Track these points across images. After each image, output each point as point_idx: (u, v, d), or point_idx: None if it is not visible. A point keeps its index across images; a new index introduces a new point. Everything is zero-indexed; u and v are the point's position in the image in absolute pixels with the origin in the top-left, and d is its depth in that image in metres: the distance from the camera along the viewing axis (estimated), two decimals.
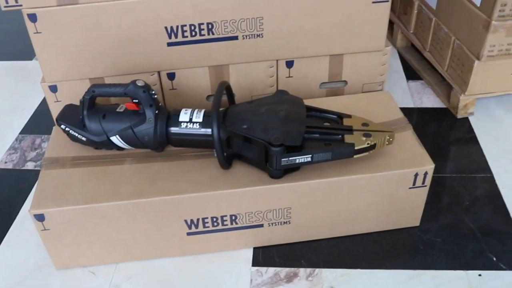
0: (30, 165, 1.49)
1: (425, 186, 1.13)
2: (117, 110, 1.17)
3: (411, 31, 1.80)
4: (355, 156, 1.07)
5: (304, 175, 1.09)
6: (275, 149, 1.04)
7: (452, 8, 1.52)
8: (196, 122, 1.13)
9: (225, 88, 1.17)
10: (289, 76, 1.38)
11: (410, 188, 1.12)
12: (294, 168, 1.10)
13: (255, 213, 1.12)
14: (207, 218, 1.10)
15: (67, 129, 1.17)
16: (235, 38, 1.26)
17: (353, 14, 1.26)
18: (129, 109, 1.16)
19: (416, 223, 1.22)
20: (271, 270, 1.15)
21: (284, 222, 1.13)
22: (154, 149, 1.18)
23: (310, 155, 1.06)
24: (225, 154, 1.10)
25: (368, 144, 1.06)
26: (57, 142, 1.21)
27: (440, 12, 1.61)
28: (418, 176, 1.10)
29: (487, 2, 1.35)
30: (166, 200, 1.08)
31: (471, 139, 1.51)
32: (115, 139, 1.16)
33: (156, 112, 1.13)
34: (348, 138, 1.07)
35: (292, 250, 1.19)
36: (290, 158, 1.05)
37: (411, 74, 1.79)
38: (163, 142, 1.16)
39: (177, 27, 1.23)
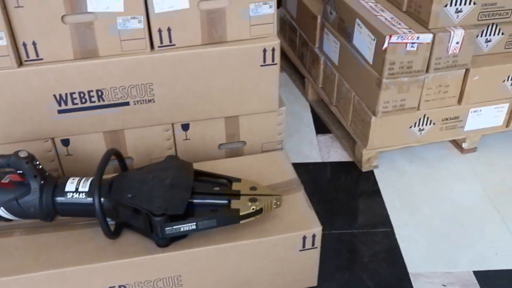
0: None
1: (315, 247, 1.13)
2: (2, 181, 1.13)
3: (320, 86, 1.84)
4: (241, 222, 1.07)
5: (191, 242, 1.08)
6: (157, 218, 1.02)
7: (350, 65, 1.57)
8: (82, 192, 1.11)
9: (115, 155, 1.16)
10: (187, 139, 1.38)
11: (300, 250, 1.12)
12: (181, 236, 1.08)
13: (144, 283, 1.09)
14: None
15: None
16: (127, 104, 1.25)
17: (243, 78, 1.28)
18: (14, 180, 1.12)
19: (314, 283, 1.22)
20: None
21: None
22: (42, 219, 1.14)
23: (195, 223, 1.04)
24: (114, 223, 1.07)
25: (253, 209, 1.06)
26: None
27: (341, 68, 1.65)
28: (307, 239, 1.11)
29: (377, 61, 1.40)
30: (48, 274, 1.04)
31: (375, 193, 1.53)
32: (1, 211, 1.12)
33: (42, 182, 1.10)
34: (234, 204, 1.07)
35: None
36: (174, 227, 1.04)
37: (321, 127, 1.82)
38: (50, 212, 1.12)
39: (66, 94, 1.21)
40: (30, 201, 1.10)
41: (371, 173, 1.60)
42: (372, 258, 1.31)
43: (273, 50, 1.26)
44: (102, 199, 1.05)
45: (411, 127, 1.52)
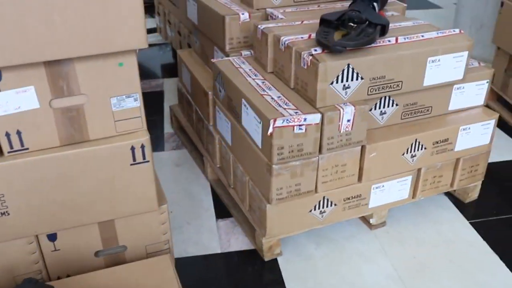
0: None
1: None
2: None
3: (217, 165, 1.70)
4: None
5: None
6: None
7: (242, 148, 1.45)
8: None
9: None
10: (56, 250, 1.19)
11: None
12: None
13: None
14: None
15: None
16: None
17: (112, 179, 1.12)
18: None
19: None
20: None
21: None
22: None
23: None
24: None
25: None
26: None
27: (234, 149, 1.53)
28: None
29: (266, 146, 1.28)
30: None
31: (278, 285, 1.38)
32: None
33: None
34: None
35: None
36: None
37: (221, 211, 1.67)
38: None
39: None
40: None
41: (274, 262, 1.46)
42: None
43: (142, 147, 1.10)
44: None
45: (311, 210, 1.40)
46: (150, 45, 3.24)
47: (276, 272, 1.43)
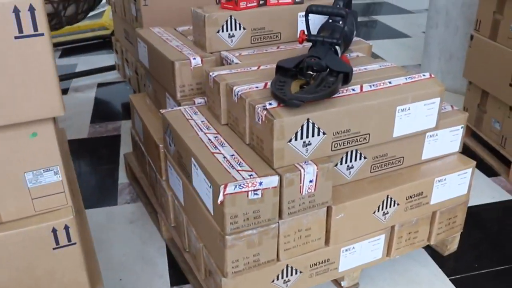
0: None
1: None
2: None
3: (172, 225, 1.53)
4: None
5: None
6: None
7: (195, 211, 1.28)
8: None
9: None
10: None
11: None
12: None
13: None
14: None
15: None
16: None
17: (32, 267, 0.95)
18: None
19: None
20: None
21: None
22: None
23: None
24: None
25: None
26: None
27: (187, 210, 1.36)
28: None
29: (218, 213, 1.12)
30: None
31: None
32: None
33: None
34: None
35: None
36: None
37: (177, 277, 1.50)
38: None
39: None
40: None
41: None
42: None
43: (66, 228, 0.93)
44: None
45: (273, 281, 1.23)
46: (109, 84, 3.08)
47: None
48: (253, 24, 1.56)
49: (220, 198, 1.05)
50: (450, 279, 1.49)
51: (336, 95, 1.17)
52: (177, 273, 1.52)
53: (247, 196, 1.08)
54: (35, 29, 0.78)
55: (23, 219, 0.93)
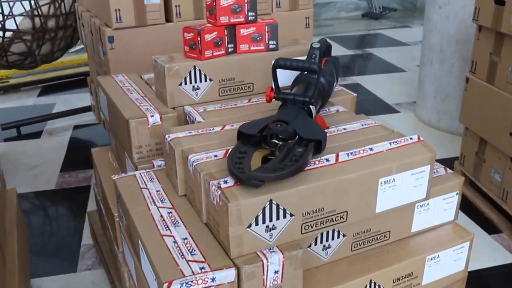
0: None
1: None
2: None
3: None
4: None
5: None
6: None
7: None
8: None
9: None
10: None
11: None
12: None
13: None
14: None
15: None
16: None
17: None
18: None
19: None
20: None
21: None
22: None
23: None
24: None
25: None
26: None
27: None
28: None
29: None
30: None
31: None
32: None
33: None
34: None
35: None
36: None
37: None
38: None
39: None
40: None
41: None
42: None
43: None
44: None
45: None
46: (85, 126, 2.90)
47: None
48: (221, 75, 1.39)
49: None
50: None
51: (306, 168, 0.98)
52: None
53: None
54: None
55: None
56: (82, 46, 4.04)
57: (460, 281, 1.28)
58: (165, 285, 0.88)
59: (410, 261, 1.14)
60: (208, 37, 1.34)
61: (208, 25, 1.38)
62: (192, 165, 1.05)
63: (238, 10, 1.37)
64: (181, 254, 0.96)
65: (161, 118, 1.31)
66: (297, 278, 0.99)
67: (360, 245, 1.13)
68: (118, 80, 1.61)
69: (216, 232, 1.00)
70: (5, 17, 2.75)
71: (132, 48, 1.85)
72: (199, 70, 1.35)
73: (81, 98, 3.27)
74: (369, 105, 3.10)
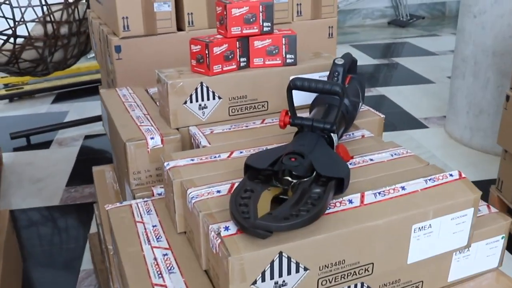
0: None
1: None
2: None
3: None
4: None
5: None
6: None
7: None
8: None
9: None
10: None
11: None
12: None
13: None
14: None
15: None
16: None
17: None
18: None
19: None
20: None
21: None
22: None
23: None
24: None
25: None
26: None
27: None
28: None
29: None
30: None
31: None
32: None
33: None
34: None
35: None
36: None
37: None
38: None
39: None
40: None
41: None
42: None
43: None
44: None
45: None
46: (97, 136, 2.78)
47: None
48: (231, 92, 1.23)
49: None
50: None
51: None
52: None
53: None
54: None
55: None
56: None
57: None
58: None
59: None
60: (217, 50, 1.18)
61: (218, 36, 1.22)
62: (191, 201, 0.90)
63: (251, 20, 1.21)
64: None
65: (162, 141, 1.16)
66: None
67: None
68: (121, 94, 1.47)
69: (216, 285, 0.84)
70: (17, 23, 2.65)
71: (140, 58, 1.71)
72: (207, 87, 1.20)
73: (94, 106, 3.15)
74: (395, 118, 2.92)
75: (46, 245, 1.90)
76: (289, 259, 0.77)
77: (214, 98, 1.22)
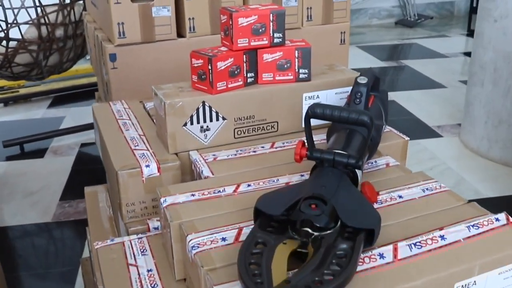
0: None
1: None
2: None
3: None
4: None
5: None
6: None
7: None
8: None
9: None
10: None
11: None
12: None
13: None
14: None
15: None
16: None
17: None
18: None
19: None
20: None
21: None
22: None
23: None
24: None
25: None
26: None
27: None
28: None
29: None
30: None
31: None
32: None
33: None
34: None
35: None
36: None
37: None
38: None
39: None
40: None
41: None
42: None
43: None
44: None
45: None
46: (91, 144, 2.64)
47: None
48: (237, 112, 1.09)
49: None
50: None
51: None
52: None
53: None
54: None
55: None
56: None
57: None
58: None
59: None
60: (221, 65, 1.04)
61: (223, 49, 1.08)
62: (191, 251, 0.76)
63: (261, 30, 1.07)
64: None
65: (159, 169, 1.02)
66: None
67: None
68: (115, 110, 1.33)
69: None
70: (9, 25, 2.51)
71: (137, 67, 1.57)
72: (210, 107, 1.06)
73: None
74: (406, 126, 2.77)
75: (38, 267, 1.76)
76: None
77: (217, 119, 1.08)
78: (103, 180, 1.63)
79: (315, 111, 0.79)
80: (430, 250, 0.73)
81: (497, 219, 0.80)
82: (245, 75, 1.10)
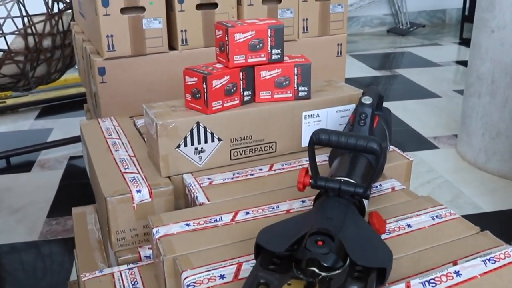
0: None
1: None
2: None
3: None
4: None
5: None
6: None
7: None
8: None
9: None
10: None
11: None
12: None
13: None
14: None
15: None
16: None
17: None
18: None
19: None
20: None
21: None
22: None
23: None
24: None
25: None
26: None
27: None
28: None
29: None
30: None
31: None
32: None
33: None
34: None
35: None
36: None
37: None
38: None
39: None
40: None
41: None
42: None
43: None
44: None
45: None
46: (80, 157, 2.57)
47: None
48: (233, 133, 1.03)
49: None
50: None
51: None
52: None
53: None
54: None
55: None
56: None
57: None
58: None
59: None
60: (216, 83, 0.98)
61: (218, 65, 1.02)
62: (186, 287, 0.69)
63: (258, 46, 1.01)
64: None
65: (150, 194, 0.96)
66: None
67: None
68: (104, 128, 1.27)
69: None
70: None
71: (127, 82, 1.51)
72: (204, 127, 1.00)
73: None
74: (402, 137, 2.73)
75: None
76: None
77: (213, 141, 1.02)
78: (92, 196, 1.56)
79: (319, 137, 0.74)
80: None
81: None
82: (241, 93, 1.04)
